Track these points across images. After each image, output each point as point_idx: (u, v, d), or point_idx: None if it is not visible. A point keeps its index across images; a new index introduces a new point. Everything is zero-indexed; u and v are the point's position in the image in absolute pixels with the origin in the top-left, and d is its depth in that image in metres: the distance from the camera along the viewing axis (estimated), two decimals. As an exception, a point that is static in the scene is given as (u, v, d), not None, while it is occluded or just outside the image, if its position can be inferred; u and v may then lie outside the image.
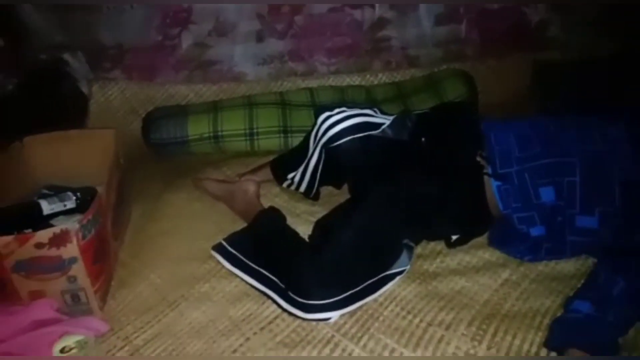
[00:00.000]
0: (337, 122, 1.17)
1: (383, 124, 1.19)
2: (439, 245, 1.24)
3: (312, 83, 1.82)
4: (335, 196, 1.39)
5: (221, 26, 1.80)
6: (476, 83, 1.77)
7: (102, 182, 1.20)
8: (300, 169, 1.30)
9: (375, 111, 1.24)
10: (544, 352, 0.96)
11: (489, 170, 1.17)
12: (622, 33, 1.84)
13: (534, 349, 0.97)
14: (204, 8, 1.77)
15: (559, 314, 1.02)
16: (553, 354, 0.96)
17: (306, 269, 1.07)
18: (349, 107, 1.20)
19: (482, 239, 1.24)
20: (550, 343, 0.96)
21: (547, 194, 1.11)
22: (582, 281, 1.08)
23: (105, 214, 1.18)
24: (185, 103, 1.83)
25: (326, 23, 1.77)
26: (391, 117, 1.23)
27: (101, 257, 1.13)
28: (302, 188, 1.34)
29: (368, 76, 1.86)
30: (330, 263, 1.07)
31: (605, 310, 0.95)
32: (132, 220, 1.43)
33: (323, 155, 1.23)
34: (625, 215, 1.07)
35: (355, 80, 1.85)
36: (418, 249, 1.23)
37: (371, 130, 1.18)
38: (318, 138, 1.21)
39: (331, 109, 1.20)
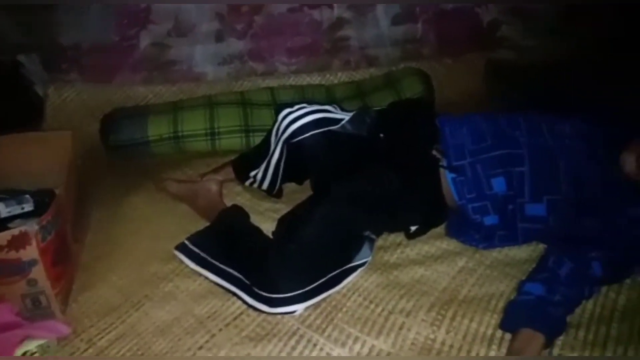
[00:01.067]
0: (297, 118, 1.19)
1: (342, 119, 1.23)
2: (399, 236, 1.28)
3: (273, 82, 1.84)
4: (298, 193, 1.41)
5: (180, 26, 1.79)
6: (433, 81, 1.83)
7: (60, 184, 1.18)
8: (262, 166, 1.32)
9: (335, 107, 1.27)
10: (499, 333, 1.01)
11: (444, 163, 1.22)
12: (573, 35, 1.94)
13: (489, 331, 1.02)
14: (162, 8, 1.76)
15: (512, 297, 1.07)
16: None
17: (270, 263, 1.09)
18: (308, 104, 1.23)
19: (440, 229, 1.28)
20: (504, 324, 1.01)
21: (498, 184, 1.17)
22: (534, 266, 1.14)
23: (65, 216, 1.17)
24: (144, 104, 1.81)
25: (286, 23, 1.79)
26: (350, 114, 1.26)
27: (61, 260, 1.11)
28: (265, 185, 1.36)
29: (328, 75, 1.89)
30: (294, 257, 1.09)
31: (553, 292, 1.01)
32: (93, 223, 1.41)
33: (285, 152, 1.25)
34: (571, 202, 1.14)
35: (316, 79, 1.88)
36: (379, 241, 1.27)
37: (331, 126, 1.20)
38: (279, 134, 1.23)
39: (291, 106, 1.22)
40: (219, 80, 1.88)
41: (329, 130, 1.20)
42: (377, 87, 1.75)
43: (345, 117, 1.24)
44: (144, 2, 1.73)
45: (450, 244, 1.25)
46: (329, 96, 1.74)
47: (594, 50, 1.84)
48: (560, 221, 1.15)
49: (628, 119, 1.31)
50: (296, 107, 1.21)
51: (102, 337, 1.06)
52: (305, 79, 1.87)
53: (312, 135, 1.18)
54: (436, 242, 1.26)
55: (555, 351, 0.97)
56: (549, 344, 0.96)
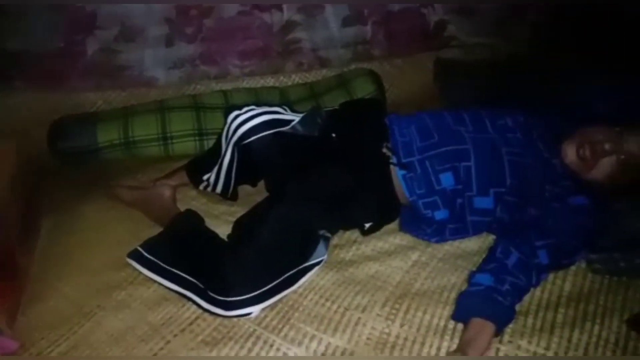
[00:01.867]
0: (246, 120, 1.19)
1: (292, 120, 1.23)
2: (354, 234, 1.29)
3: (226, 86, 1.83)
4: (253, 195, 1.40)
5: (128, 31, 1.76)
6: (384, 81, 1.86)
7: (2, 197, 1.14)
8: (215, 170, 1.31)
9: (284, 109, 1.28)
10: (451, 324, 1.04)
11: (394, 160, 1.25)
12: (517, 34, 2.02)
13: (442, 323, 1.04)
14: (109, 13, 1.72)
15: (463, 288, 1.10)
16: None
17: (224, 266, 1.09)
18: (257, 106, 1.23)
19: (393, 225, 1.30)
20: (456, 315, 1.04)
21: (446, 180, 1.20)
22: (484, 257, 1.17)
23: (9, 229, 1.13)
24: (94, 110, 1.77)
25: (236, 26, 1.78)
26: (301, 115, 1.27)
27: (7, 276, 1.08)
28: (219, 189, 1.35)
29: (281, 77, 1.89)
30: (249, 259, 1.09)
31: (502, 281, 1.04)
32: (43, 234, 1.38)
33: (236, 154, 1.25)
34: (516, 194, 1.18)
35: (269, 81, 1.88)
36: (335, 239, 1.28)
37: (281, 127, 1.21)
38: (229, 137, 1.23)
39: (240, 108, 1.22)
40: (171, 85, 1.85)
41: (279, 132, 1.20)
42: (329, 88, 1.77)
43: (296, 118, 1.24)
44: (94, 3, 1.68)
45: (403, 239, 1.27)
46: (282, 98, 1.75)
47: (535, 47, 1.92)
48: (506, 212, 1.19)
49: (568, 112, 1.38)
50: (245, 109, 1.21)
51: (53, 350, 1.04)
52: (258, 82, 1.87)
53: (262, 136, 1.18)
54: (390, 238, 1.28)
55: (505, 338, 1.00)
56: (499, 332, 0.99)
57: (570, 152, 1.21)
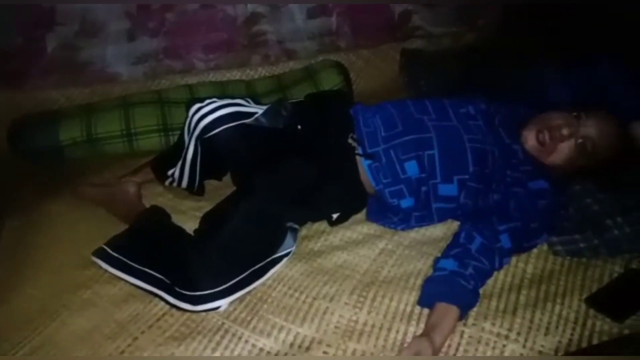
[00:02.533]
0: (208, 112, 1.18)
1: (256, 113, 1.23)
2: (323, 224, 1.30)
3: (191, 80, 1.81)
4: (221, 190, 1.39)
5: (89, 26, 1.73)
6: (351, 72, 1.86)
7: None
8: (179, 165, 1.30)
9: (247, 101, 1.27)
10: (417, 309, 1.05)
11: (359, 151, 1.25)
12: (481, 23, 2.05)
13: (409, 308, 1.06)
14: (68, 8, 1.69)
15: (429, 274, 1.11)
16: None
17: (191, 261, 1.08)
18: (219, 98, 1.22)
19: (361, 214, 1.31)
20: (421, 301, 1.05)
21: (411, 168, 1.21)
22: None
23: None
24: (57, 108, 1.73)
25: (199, 19, 1.76)
26: (264, 107, 1.26)
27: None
28: (184, 184, 1.34)
29: (248, 71, 1.88)
30: (215, 253, 1.09)
31: (465, 266, 1.06)
32: (6, 235, 1.35)
33: (199, 148, 1.24)
34: (478, 180, 1.20)
35: (236, 75, 1.87)
36: (303, 231, 1.28)
37: (244, 119, 1.20)
38: (191, 130, 1.22)
39: (202, 101, 1.21)
40: (135, 80, 1.83)
41: (242, 124, 1.19)
42: (296, 81, 1.77)
43: (259, 110, 1.24)
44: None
45: (371, 228, 1.28)
46: (249, 91, 1.74)
47: (498, 36, 1.95)
48: (470, 198, 1.21)
49: (529, 98, 1.41)
50: (207, 101, 1.20)
51: (17, 352, 1.03)
52: (224, 75, 1.86)
53: (224, 129, 1.17)
54: (358, 227, 1.29)
55: (470, 321, 1.02)
56: (463, 315, 1.01)
57: (530, 138, 1.24)
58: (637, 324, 0.99)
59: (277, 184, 1.20)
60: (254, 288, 1.12)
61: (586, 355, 0.91)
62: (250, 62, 1.90)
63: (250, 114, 1.22)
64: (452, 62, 1.83)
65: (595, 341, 0.97)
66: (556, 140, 1.21)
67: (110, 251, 1.20)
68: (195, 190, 1.36)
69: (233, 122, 1.18)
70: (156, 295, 1.11)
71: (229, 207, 1.19)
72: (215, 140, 1.18)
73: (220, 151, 1.22)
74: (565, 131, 1.20)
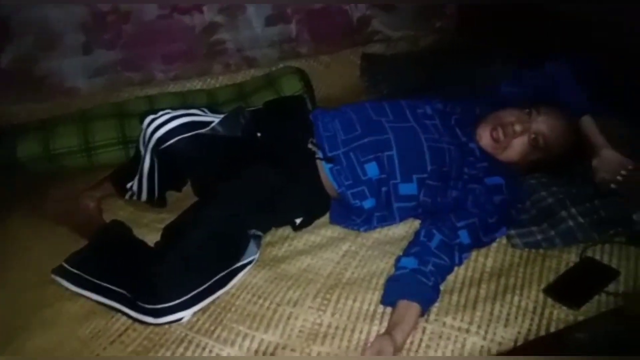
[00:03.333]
0: (162, 124, 1.17)
1: (212, 122, 1.22)
2: (287, 230, 1.30)
3: (152, 91, 1.79)
4: (183, 201, 1.38)
5: (44, 40, 1.70)
6: (312, 78, 1.88)
7: None
8: (137, 177, 1.28)
9: (204, 111, 1.27)
10: (380, 309, 1.06)
11: (320, 155, 1.26)
12: (438, 25, 2.09)
13: (372, 308, 1.07)
14: (23, 20, 1.65)
15: (391, 273, 1.12)
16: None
17: (152, 273, 1.07)
18: (173, 109, 1.21)
19: (324, 218, 1.32)
20: (384, 300, 1.06)
21: (371, 169, 1.23)
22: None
23: None
24: (16, 123, 1.69)
25: (157, 30, 1.75)
26: (221, 116, 1.26)
27: None
28: (143, 196, 1.33)
29: (209, 80, 1.87)
30: (177, 264, 1.08)
31: (425, 263, 1.08)
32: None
33: (156, 159, 1.23)
34: (437, 178, 1.22)
35: (196, 84, 1.86)
36: (267, 237, 1.28)
37: (199, 129, 1.20)
38: (146, 142, 1.20)
39: (155, 112, 1.20)
40: (94, 93, 1.80)
41: (199, 134, 1.19)
42: (257, 88, 1.77)
43: (215, 119, 1.24)
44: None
45: (334, 231, 1.29)
46: (210, 100, 1.73)
47: (454, 38, 2.00)
48: (429, 197, 1.23)
49: (483, 97, 1.44)
50: (160, 112, 1.19)
51: (-26, 376, 0.99)
52: (185, 85, 1.85)
53: (179, 139, 1.17)
54: (321, 231, 1.29)
55: (431, 317, 1.04)
56: (424, 311, 1.03)
57: (484, 135, 1.27)
58: (591, 310, 1.02)
59: (238, 192, 1.19)
60: (218, 297, 1.11)
61: (543, 343, 0.93)
62: (210, 71, 1.89)
63: (206, 124, 1.21)
64: (411, 65, 1.87)
65: (552, 329, 0.99)
66: (510, 137, 1.24)
67: (70, 268, 1.17)
68: (156, 202, 1.34)
69: (188, 132, 1.17)
70: (118, 310, 1.09)
71: (191, 217, 1.18)
72: (171, 151, 1.17)
73: (177, 162, 1.21)
74: (518, 127, 1.23)
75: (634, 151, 1.27)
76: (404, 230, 1.27)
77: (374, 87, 1.88)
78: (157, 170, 1.25)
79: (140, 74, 1.82)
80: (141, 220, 1.36)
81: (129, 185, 1.32)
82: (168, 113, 1.19)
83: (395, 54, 1.98)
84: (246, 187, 1.20)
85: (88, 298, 1.13)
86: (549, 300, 1.06)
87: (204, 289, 1.09)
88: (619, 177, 1.19)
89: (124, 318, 1.08)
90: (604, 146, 1.25)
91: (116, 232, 1.25)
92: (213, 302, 1.10)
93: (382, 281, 1.12)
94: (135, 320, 1.07)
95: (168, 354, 1.00)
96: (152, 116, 1.19)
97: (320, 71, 1.97)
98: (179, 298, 1.05)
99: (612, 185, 1.20)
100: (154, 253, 1.15)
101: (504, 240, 1.21)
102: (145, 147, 1.21)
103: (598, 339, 0.92)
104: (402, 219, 1.28)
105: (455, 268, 1.14)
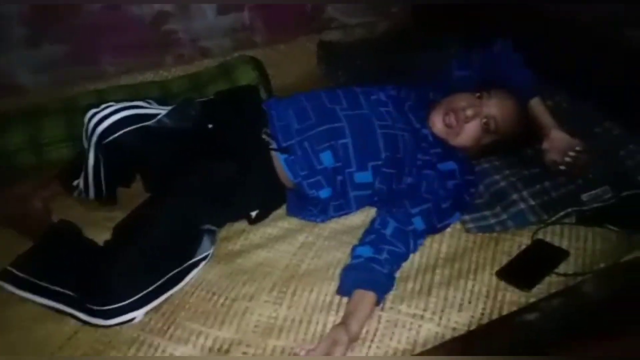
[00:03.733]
0: (104, 117, 1.13)
1: (158, 114, 1.19)
2: (243, 224, 1.28)
3: (103, 85, 1.74)
4: (136, 197, 1.34)
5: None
6: (269, 67, 1.85)
7: None
8: (82, 174, 1.24)
9: (149, 103, 1.23)
10: (337, 299, 1.06)
11: (274, 145, 1.24)
12: (393, 11, 2.08)
13: (328, 299, 1.06)
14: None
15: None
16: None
17: (101, 273, 1.04)
18: (116, 102, 1.17)
19: (281, 210, 1.30)
20: (340, 290, 1.06)
21: (326, 158, 1.22)
22: (367, 229, 1.20)
23: None
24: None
25: (104, 22, 1.68)
26: (169, 107, 1.23)
27: None
28: (91, 194, 1.28)
29: (161, 71, 1.82)
30: (127, 262, 1.05)
31: (380, 251, 1.08)
32: None
33: (100, 155, 1.19)
34: (391, 165, 1.22)
35: (149, 76, 1.80)
36: (223, 232, 1.26)
37: (145, 122, 1.16)
38: (89, 137, 1.16)
39: (97, 106, 1.16)
40: (41, 89, 1.73)
41: (144, 126, 1.15)
42: (212, 79, 1.73)
43: (162, 111, 1.20)
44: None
45: (291, 223, 1.28)
46: (163, 92, 1.69)
47: (409, 23, 1.99)
48: (384, 184, 1.22)
49: (435, 82, 1.44)
50: (102, 106, 1.15)
51: None
52: (137, 78, 1.79)
53: (123, 133, 1.13)
54: (278, 223, 1.28)
55: (387, 305, 1.04)
56: (380, 300, 1.03)
57: (437, 121, 1.27)
58: (542, 292, 1.04)
59: (190, 187, 1.17)
60: (171, 295, 1.09)
61: (494, 327, 0.95)
62: (163, 62, 1.84)
63: (152, 116, 1.17)
64: (367, 51, 1.86)
65: (505, 312, 1.01)
66: (462, 122, 1.24)
67: (17, 272, 1.12)
68: (106, 199, 1.30)
69: (133, 125, 1.14)
70: (67, 313, 1.06)
71: (142, 214, 1.15)
72: (116, 145, 1.13)
73: (123, 157, 1.17)
74: (469, 112, 1.23)
75: (581, 129, 1.30)
76: (360, 219, 1.27)
77: (331, 74, 1.86)
78: (103, 166, 1.21)
79: (90, 67, 1.75)
80: (92, 219, 1.31)
81: (75, 182, 1.28)
82: (111, 106, 1.15)
83: (352, 41, 1.97)
84: (198, 182, 1.18)
85: (36, 302, 1.09)
86: (502, 284, 1.07)
87: (156, 287, 1.06)
88: (567, 159, 1.21)
89: (74, 321, 1.05)
90: (553, 128, 1.27)
91: (64, 233, 1.21)
92: (166, 300, 1.08)
93: (338, 271, 1.11)
94: (85, 322, 1.04)
95: (119, 356, 0.98)
96: (94, 110, 1.15)
97: (277, 60, 1.94)
98: (129, 298, 1.02)
99: (561, 167, 1.22)
100: (104, 252, 1.11)
101: (459, 226, 1.22)
102: (89, 142, 1.17)
103: (547, 319, 0.93)
104: (358, 208, 1.28)
105: (411, 255, 1.14)
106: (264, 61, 1.85)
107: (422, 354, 0.93)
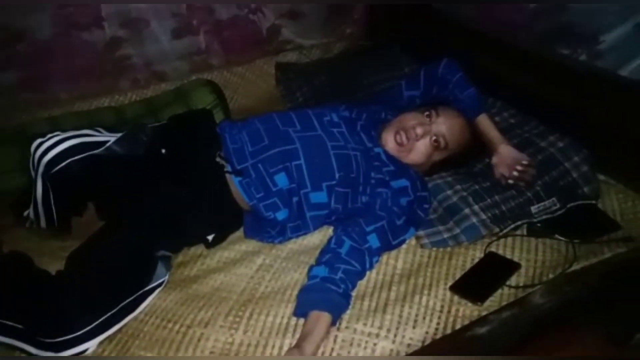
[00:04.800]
0: (50, 147, 1.11)
1: (107, 141, 1.18)
2: (200, 248, 1.27)
3: (57, 112, 1.71)
4: (92, 225, 1.32)
5: None
6: (227, 90, 1.85)
7: None
8: (32, 204, 1.22)
9: (98, 131, 1.21)
10: (293, 321, 1.06)
11: (228, 168, 1.24)
12: (347, 32, 2.12)
13: (285, 321, 1.06)
14: None
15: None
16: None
17: (52, 304, 1.01)
18: (62, 131, 1.16)
19: (239, 232, 1.30)
20: (296, 311, 1.06)
21: (281, 180, 1.22)
22: (324, 249, 1.21)
23: None
24: None
25: (55, 48, 1.67)
26: (118, 135, 1.22)
27: None
28: (43, 223, 1.25)
29: (117, 96, 1.81)
30: (79, 292, 1.03)
31: (336, 270, 1.08)
32: None
33: (49, 184, 1.16)
34: (345, 184, 1.23)
35: (104, 102, 1.78)
36: (179, 257, 1.25)
37: (92, 150, 1.15)
38: (35, 168, 1.14)
39: (43, 136, 1.14)
40: (-8, 118, 1.69)
41: (92, 155, 1.14)
42: (168, 103, 1.72)
43: (111, 138, 1.19)
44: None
45: (249, 245, 1.27)
46: (118, 117, 1.66)
47: (362, 43, 2.04)
48: (340, 203, 1.23)
49: (388, 101, 1.48)
50: (48, 135, 1.13)
51: None
52: (92, 104, 1.77)
53: (70, 162, 1.11)
54: (236, 246, 1.27)
55: (343, 324, 1.04)
56: (335, 320, 1.03)
57: (389, 140, 1.30)
58: (494, 305, 1.06)
59: (143, 214, 1.16)
60: (125, 324, 1.07)
61: (446, 341, 0.96)
62: (118, 87, 1.83)
63: (100, 144, 1.16)
64: (323, 72, 1.88)
65: (458, 326, 1.03)
66: (412, 140, 1.27)
67: (-37, 307, 1.09)
68: (59, 229, 1.27)
69: (79, 154, 1.12)
70: (17, 347, 1.02)
71: (95, 243, 1.13)
72: (63, 175, 1.12)
73: (71, 186, 1.15)
74: (419, 130, 1.26)
75: (528, 144, 1.34)
76: (318, 238, 1.28)
77: (289, 95, 1.87)
78: (53, 195, 1.18)
79: (41, 94, 1.73)
80: (46, 249, 1.28)
81: (26, 213, 1.25)
82: (57, 135, 1.13)
83: (308, 63, 2.00)
84: (151, 208, 1.17)
85: (-17, 338, 1.05)
86: (456, 298, 1.09)
87: (109, 316, 1.04)
88: (515, 173, 1.25)
89: (25, 355, 1.02)
90: (501, 143, 1.31)
91: (14, 264, 1.17)
92: (120, 329, 1.06)
93: (295, 292, 1.11)
94: (35, 356, 1.00)
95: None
96: (39, 140, 1.13)
97: (235, 82, 1.95)
98: (82, 329, 1.00)
99: (510, 181, 1.26)
100: (56, 282, 1.09)
101: (414, 242, 1.24)
102: (35, 172, 1.15)
103: (497, 332, 0.95)
104: (316, 228, 1.29)
105: (367, 273, 1.15)
106: (221, 84, 1.86)
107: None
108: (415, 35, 1.82)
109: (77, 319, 1.00)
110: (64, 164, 1.11)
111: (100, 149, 1.15)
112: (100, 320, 1.02)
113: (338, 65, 1.89)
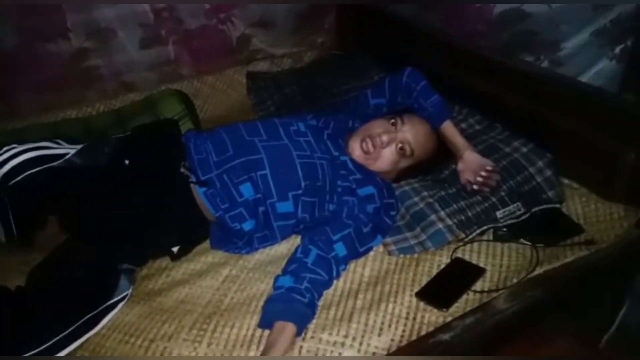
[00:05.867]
0: (5, 161, 1.09)
1: (66, 154, 1.16)
2: (165, 261, 1.25)
3: (20, 124, 1.68)
4: (54, 239, 1.29)
5: None
6: (198, 99, 1.85)
7: None
8: (-11, 217, 1.19)
9: (58, 143, 1.19)
10: (259, 332, 1.04)
11: (193, 179, 1.23)
12: (317, 41, 2.13)
13: (250, 333, 1.05)
14: None
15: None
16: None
17: (10, 320, 0.99)
18: (19, 144, 1.14)
19: (206, 244, 1.28)
20: (261, 322, 1.04)
21: (246, 190, 1.21)
22: (290, 259, 1.20)
23: None
24: None
25: (19, 59, 1.64)
26: (79, 147, 1.20)
27: None
28: (1, 238, 1.22)
29: (84, 107, 1.79)
30: (37, 308, 1.01)
31: (301, 280, 1.08)
32: None
33: (6, 198, 1.14)
34: (311, 194, 1.23)
35: (71, 113, 1.76)
36: (144, 270, 1.23)
37: (50, 163, 1.13)
38: (-10, 180, 1.12)
39: (-1, 148, 1.12)
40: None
41: (50, 167, 1.12)
42: (136, 113, 1.70)
43: (70, 150, 1.17)
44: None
45: (215, 256, 1.26)
46: (86, 128, 1.64)
47: (332, 52, 2.05)
48: (307, 212, 1.23)
49: (355, 109, 1.48)
50: (5, 148, 1.11)
51: None
52: (58, 115, 1.74)
53: (27, 175, 1.09)
54: (202, 258, 1.25)
55: (309, 334, 1.03)
56: (301, 330, 1.02)
57: (355, 148, 1.30)
58: (459, 310, 1.06)
59: (105, 226, 1.14)
60: (86, 340, 1.04)
61: (410, 348, 0.96)
62: (86, 98, 1.81)
63: (59, 156, 1.14)
64: (294, 81, 1.89)
65: (423, 333, 1.02)
66: (378, 148, 1.28)
67: None
68: (20, 242, 1.24)
69: (37, 167, 1.10)
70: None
71: (56, 257, 1.10)
72: (20, 188, 1.09)
73: (29, 199, 1.13)
74: (385, 138, 1.27)
75: (492, 149, 1.36)
76: (286, 248, 1.27)
77: (260, 105, 1.87)
78: (10, 209, 1.16)
79: (5, 106, 1.70)
80: (6, 264, 1.25)
81: (-18, 226, 1.22)
82: (13, 148, 1.11)
83: (279, 72, 2.00)
84: (113, 220, 1.15)
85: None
86: (421, 304, 1.09)
87: (71, 332, 1.02)
88: (479, 178, 1.26)
89: (-21, 376, 0.99)
90: (466, 149, 1.32)
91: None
92: (81, 345, 1.03)
93: (262, 303, 1.10)
94: (32, 357, 0.97)
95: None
96: (-5, 153, 1.11)
97: (206, 92, 1.95)
98: (42, 345, 0.98)
99: (475, 187, 1.27)
100: (15, 298, 1.06)
101: (381, 249, 1.24)
102: (-9, 185, 1.13)
103: (461, 337, 0.95)
104: (283, 238, 1.28)
105: (335, 281, 1.14)
106: (192, 93, 1.85)
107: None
108: (383, 44, 1.84)
109: (36, 336, 0.98)
110: (21, 176, 1.08)
111: (59, 162, 1.13)
112: (60, 336, 1.00)
113: (309, 74, 1.90)
